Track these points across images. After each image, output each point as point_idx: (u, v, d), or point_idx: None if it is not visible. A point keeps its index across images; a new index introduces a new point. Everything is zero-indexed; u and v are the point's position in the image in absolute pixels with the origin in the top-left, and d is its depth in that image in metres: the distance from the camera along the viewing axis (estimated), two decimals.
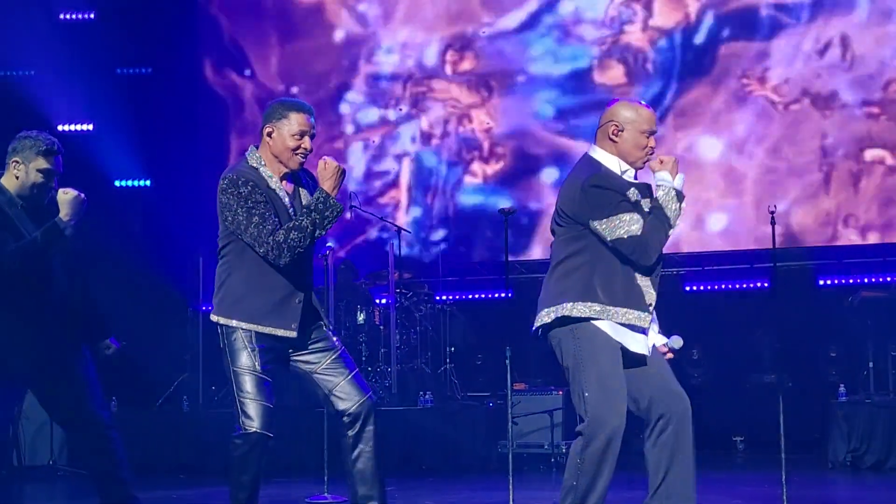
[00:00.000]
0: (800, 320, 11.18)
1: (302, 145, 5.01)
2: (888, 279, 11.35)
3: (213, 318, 5.06)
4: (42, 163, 5.52)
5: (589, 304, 4.81)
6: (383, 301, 11.70)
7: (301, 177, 5.18)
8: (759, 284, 12.08)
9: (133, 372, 12.06)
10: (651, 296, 4.89)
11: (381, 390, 10.71)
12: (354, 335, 11.31)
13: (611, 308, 4.80)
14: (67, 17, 13.30)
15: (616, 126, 4.92)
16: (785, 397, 6.90)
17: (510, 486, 6.72)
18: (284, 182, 5.08)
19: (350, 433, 5.07)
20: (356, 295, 11.55)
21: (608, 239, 4.80)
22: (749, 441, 11.05)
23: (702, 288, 12.27)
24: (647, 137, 4.92)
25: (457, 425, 10.01)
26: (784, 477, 6.52)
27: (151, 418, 10.87)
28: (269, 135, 5.02)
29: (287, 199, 5.05)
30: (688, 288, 12.23)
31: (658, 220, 4.81)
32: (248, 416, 4.98)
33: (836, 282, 11.88)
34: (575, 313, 4.83)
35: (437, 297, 11.95)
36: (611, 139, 4.93)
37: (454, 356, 11.41)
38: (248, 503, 5.06)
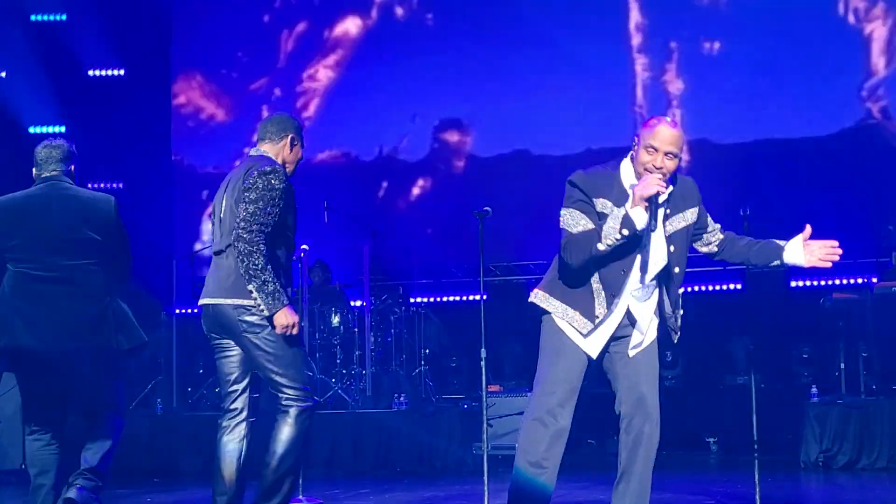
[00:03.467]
0: (772, 322, 11.23)
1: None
2: (859, 281, 11.42)
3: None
4: None
5: (543, 293, 5.02)
6: (358, 304, 11.69)
7: None
8: (732, 286, 12.14)
9: None
10: (601, 308, 4.88)
11: (356, 393, 10.70)
12: (329, 337, 11.30)
13: (557, 301, 4.94)
14: (39, 18, 13.23)
15: (635, 139, 4.92)
16: (758, 398, 6.94)
17: (485, 488, 6.72)
18: None
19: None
20: (331, 297, 11.54)
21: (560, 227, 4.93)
22: (722, 442, 11.09)
23: None
24: (649, 153, 4.80)
25: (431, 428, 10.00)
26: (757, 477, 6.55)
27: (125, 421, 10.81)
28: (293, 142, 5.53)
29: None
30: None
31: (592, 234, 4.79)
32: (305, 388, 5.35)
33: (807, 284, 11.95)
34: (532, 299, 5.06)
35: (412, 300, 11.95)
36: (632, 152, 4.95)
37: (429, 358, 11.41)
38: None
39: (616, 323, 4.95)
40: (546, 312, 4.99)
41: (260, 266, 5.11)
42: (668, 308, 5.01)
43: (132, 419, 10.87)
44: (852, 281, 11.59)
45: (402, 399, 10.35)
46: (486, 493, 6.71)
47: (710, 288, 12.26)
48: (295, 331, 5.21)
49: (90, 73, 13.42)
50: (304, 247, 8.37)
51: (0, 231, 5.61)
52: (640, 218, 4.70)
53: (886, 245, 10.80)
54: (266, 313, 5.16)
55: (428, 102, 13.13)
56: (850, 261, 11.74)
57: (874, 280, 10.64)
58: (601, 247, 4.73)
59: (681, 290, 5.06)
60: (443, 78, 13.10)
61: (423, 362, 11.27)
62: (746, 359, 11.60)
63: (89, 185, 12.98)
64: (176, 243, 12.67)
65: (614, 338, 4.99)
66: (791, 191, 11.86)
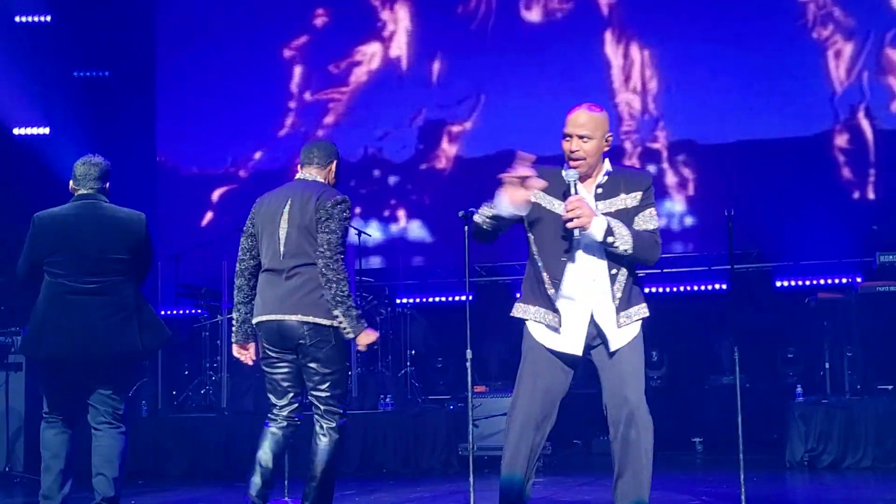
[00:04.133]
0: (758, 322, 11.26)
1: None
2: (844, 281, 11.45)
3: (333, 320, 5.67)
4: None
5: (517, 303, 5.10)
6: None
7: None
8: (717, 286, 12.16)
9: None
10: (555, 296, 4.93)
11: None
12: None
13: (524, 305, 5.04)
14: (23, 19, 13.18)
15: None
16: (743, 398, 6.94)
17: (471, 489, 6.72)
18: None
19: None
20: None
21: None
22: (708, 442, 11.11)
23: (661, 290, 12.33)
24: (567, 141, 4.96)
25: (417, 428, 10.00)
26: (742, 477, 6.56)
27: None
28: (337, 168, 6.01)
29: None
30: (647, 289, 12.22)
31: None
32: (345, 406, 5.85)
33: (793, 284, 11.98)
34: (512, 313, 5.12)
35: (398, 301, 11.95)
36: None
37: (415, 359, 11.41)
38: None
39: (582, 316, 4.93)
40: (524, 322, 5.06)
41: (346, 292, 5.61)
42: (617, 294, 4.96)
43: None
44: (837, 281, 11.62)
45: (387, 400, 10.35)
46: (471, 494, 6.70)
47: (695, 288, 12.28)
48: (373, 342, 5.72)
49: (75, 74, 13.39)
50: None
51: (41, 245, 6.07)
52: (504, 206, 4.81)
53: (870, 245, 10.83)
54: (351, 335, 5.64)
55: (413, 103, 13.13)
56: (835, 261, 11.79)
57: (858, 280, 10.68)
58: (477, 218, 4.95)
59: (617, 273, 4.96)
60: (428, 79, 13.11)
61: (408, 363, 11.26)
62: (731, 359, 11.62)
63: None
64: (160, 245, 12.60)
65: (590, 347, 4.98)
66: (776, 192, 11.89)
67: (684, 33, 12.45)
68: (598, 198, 4.96)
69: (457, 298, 12.39)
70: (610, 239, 4.81)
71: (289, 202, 5.78)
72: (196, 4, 13.69)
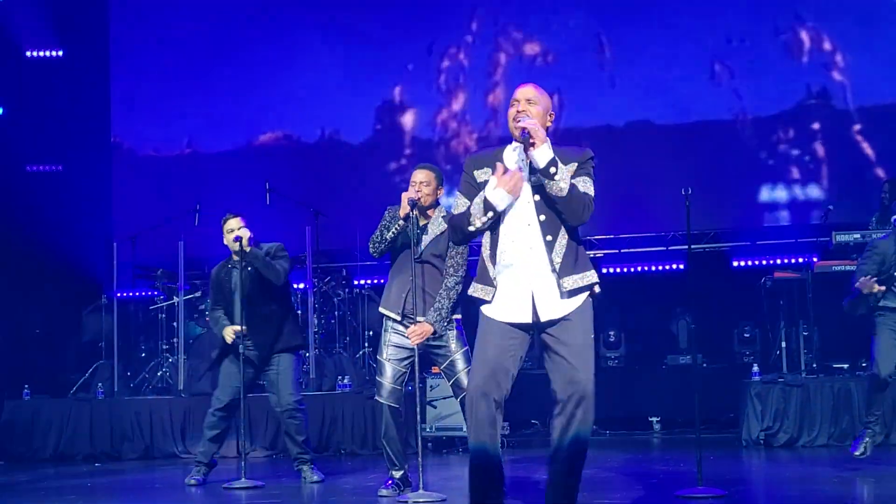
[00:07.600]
0: (714, 301, 11.31)
1: None
2: (800, 261, 11.52)
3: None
4: None
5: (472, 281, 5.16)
6: (301, 286, 11.62)
7: None
8: (674, 266, 12.20)
9: (47, 359, 11.92)
10: (491, 269, 5.00)
11: (300, 375, 10.65)
12: None
13: (473, 283, 5.10)
14: None
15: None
16: (700, 378, 6.96)
17: (419, 469, 6.72)
18: None
19: None
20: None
21: None
22: (665, 421, 11.16)
23: (619, 270, 12.35)
24: (512, 106, 5.03)
25: (375, 409, 9.97)
26: (699, 455, 6.58)
27: (66, 406, 10.69)
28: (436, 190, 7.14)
29: None
30: (605, 270, 12.30)
31: (466, 214, 5.02)
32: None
33: (749, 263, 12.03)
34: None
35: (355, 282, 11.91)
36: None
37: (372, 340, 11.37)
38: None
39: (523, 285, 4.93)
40: (477, 303, 5.09)
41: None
42: (555, 260, 4.95)
43: (73, 403, 10.78)
44: (793, 261, 11.68)
45: (345, 381, 10.33)
46: (420, 475, 6.71)
47: (653, 268, 12.31)
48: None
49: (28, 53, 13.23)
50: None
51: None
52: (500, 199, 4.86)
53: (826, 225, 10.89)
54: None
55: (369, 83, 13.06)
56: (791, 241, 11.86)
57: (815, 260, 10.74)
58: (472, 228, 4.95)
59: (554, 241, 4.96)
60: (385, 58, 13.06)
61: (366, 344, 11.24)
62: (689, 338, 11.67)
63: (27, 169, 12.94)
64: (115, 226, 12.52)
65: (539, 321, 4.96)
66: (732, 171, 11.94)
67: (643, 12, 12.48)
68: (533, 171, 4.95)
69: None
70: (553, 170, 4.81)
71: None
72: None
